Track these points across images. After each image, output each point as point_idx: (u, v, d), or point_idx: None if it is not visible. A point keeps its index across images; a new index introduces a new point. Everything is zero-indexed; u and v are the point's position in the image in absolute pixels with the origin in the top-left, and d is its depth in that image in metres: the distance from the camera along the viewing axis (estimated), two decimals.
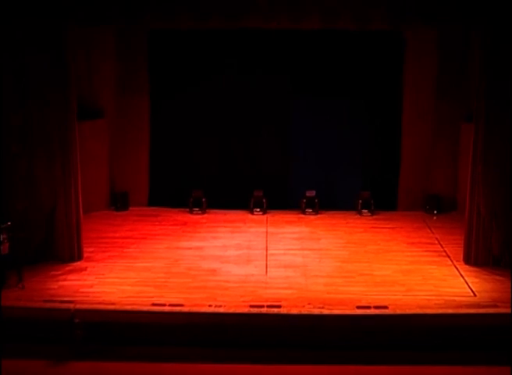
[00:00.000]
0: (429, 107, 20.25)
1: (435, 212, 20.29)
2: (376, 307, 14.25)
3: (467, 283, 15.63)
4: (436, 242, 18.24)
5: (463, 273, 16.19)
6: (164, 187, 21.00)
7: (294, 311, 13.97)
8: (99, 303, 14.30)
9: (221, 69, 20.38)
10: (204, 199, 20.40)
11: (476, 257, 16.58)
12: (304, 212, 20.50)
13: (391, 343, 13.59)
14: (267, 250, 17.76)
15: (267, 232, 19.06)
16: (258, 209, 20.53)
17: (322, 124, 20.64)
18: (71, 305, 13.93)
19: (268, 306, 14.20)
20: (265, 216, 20.37)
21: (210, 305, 14.28)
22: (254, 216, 20.37)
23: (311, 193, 20.40)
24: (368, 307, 14.26)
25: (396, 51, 20.14)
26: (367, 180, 20.69)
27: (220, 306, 14.23)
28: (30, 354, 13.38)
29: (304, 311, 14.06)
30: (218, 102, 20.55)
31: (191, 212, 20.32)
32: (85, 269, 16.31)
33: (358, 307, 14.24)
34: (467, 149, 17.45)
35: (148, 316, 13.85)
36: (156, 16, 16.42)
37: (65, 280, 15.65)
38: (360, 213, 20.40)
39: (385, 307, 14.25)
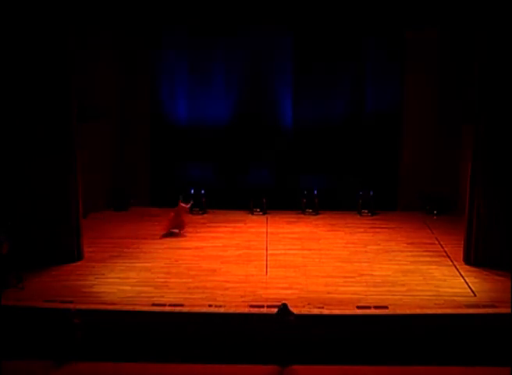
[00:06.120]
0: (430, 107, 20.28)
1: (435, 212, 20.29)
2: (376, 307, 14.26)
3: (467, 283, 15.63)
4: (436, 242, 18.24)
5: (463, 273, 16.19)
6: (164, 187, 21.00)
7: (294, 311, 13.95)
8: (99, 303, 14.31)
9: (221, 70, 20.40)
10: (204, 199, 20.42)
11: (476, 257, 16.59)
12: (304, 212, 20.51)
13: (391, 343, 13.58)
14: (267, 250, 17.76)
15: (267, 232, 19.07)
16: (258, 209, 20.54)
17: (322, 124, 20.64)
18: (71, 305, 13.93)
19: (268, 306, 14.20)
20: (265, 216, 20.38)
21: (210, 305, 14.28)
22: (254, 216, 20.39)
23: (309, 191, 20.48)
24: (368, 307, 14.27)
25: (398, 51, 20.15)
26: (367, 180, 20.68)
27: (220, 306, 14.24)
28: (30, 354, 13.38)
29: (304, 311, 14.06)
30: (218, 102, 20.55)
31: (191, 212, 20.34)
32: (85, 269, 16.33)
33: (358, 307, 14.26)
34: (467, 150, 17.46)
35: (148, 316, 13.85)
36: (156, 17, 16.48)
37: (65, 280, 15.65)
38: (360, 213, 20.41)
39: (385, 307, 14.26)
